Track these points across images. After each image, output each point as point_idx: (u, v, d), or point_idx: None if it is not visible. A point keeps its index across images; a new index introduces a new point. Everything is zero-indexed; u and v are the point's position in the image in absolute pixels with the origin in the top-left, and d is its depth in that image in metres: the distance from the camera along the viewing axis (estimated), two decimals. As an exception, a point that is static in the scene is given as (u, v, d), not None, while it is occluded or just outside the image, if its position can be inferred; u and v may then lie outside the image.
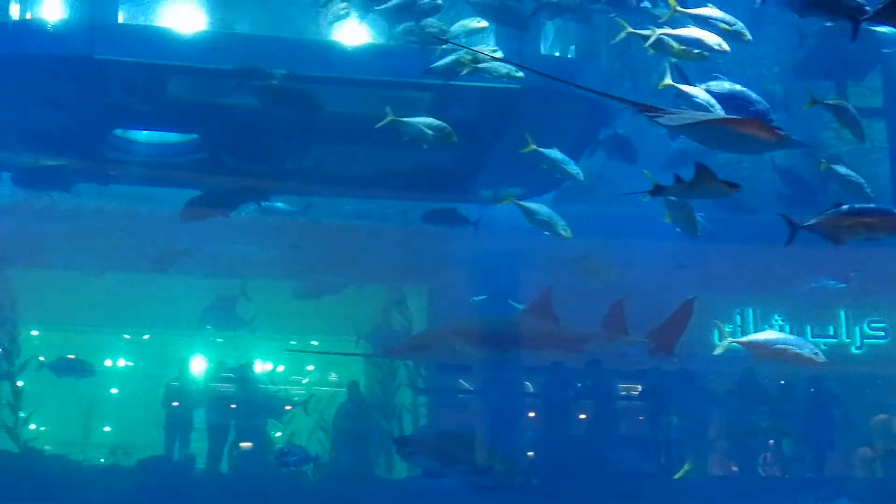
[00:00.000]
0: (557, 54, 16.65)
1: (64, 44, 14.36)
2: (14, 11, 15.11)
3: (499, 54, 13.04)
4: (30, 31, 14.81)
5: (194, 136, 16.58)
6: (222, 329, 20.05)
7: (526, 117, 15.15)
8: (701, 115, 8.10)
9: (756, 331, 20.61)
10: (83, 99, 15.11)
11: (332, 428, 19.15)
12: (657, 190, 8.35)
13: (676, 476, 16.97)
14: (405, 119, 12.76)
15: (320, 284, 19.31)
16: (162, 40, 14.91)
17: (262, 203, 16.68)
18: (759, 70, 18.09)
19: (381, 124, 12.63)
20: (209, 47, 15.03)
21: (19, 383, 18.87)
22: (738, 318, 21.45)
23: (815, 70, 17.60)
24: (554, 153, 12.90)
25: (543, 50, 16.25)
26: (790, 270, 18.84)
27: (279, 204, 17.74)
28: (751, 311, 21.55)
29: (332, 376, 21.68)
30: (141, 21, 15.46)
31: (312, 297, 19.31)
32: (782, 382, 19.10)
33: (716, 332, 18.03)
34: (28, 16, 15.26)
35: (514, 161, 13.58)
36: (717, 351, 13.06)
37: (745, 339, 13.40)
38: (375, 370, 20.12)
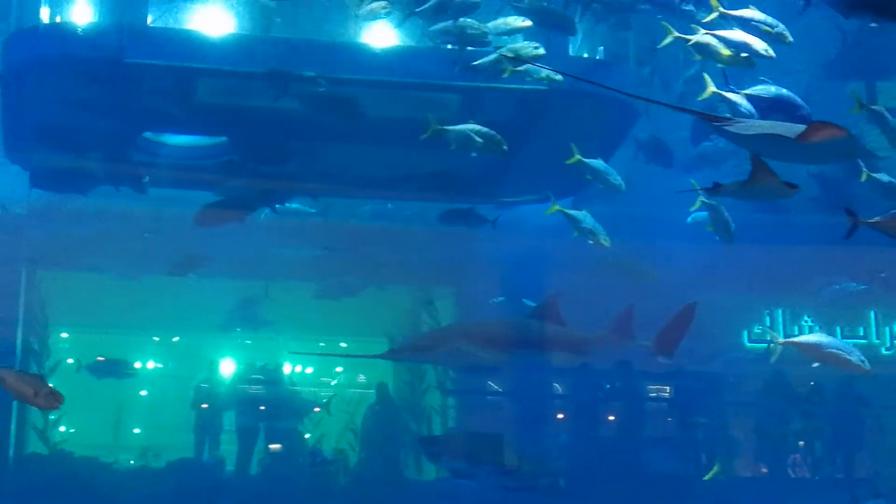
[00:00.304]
0: (586, 55, 16.58)
1: (94, 47, 14.36)
2: (44, 15, 15.22)
3: (541, 51, 12.62)
4: (60, 34, 14.85)
5: (223, 138, 16.60)
6: (246, 330, 20.14)
7: (554, 119, 15.18)
8: (769, 126, 7.88)
9: (785, 331, 20.58)
10: (113, 102, 15.15)
11: (360, 429, 19.21)
12: (715, 188, 8.20)
13: (706, 478, 16.88)
14: (452, 127, 12.60)
15: (342, 286, 19.35)
16: (191, 43, 14.94)
17: (281, 205, 16.79)
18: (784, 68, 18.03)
19: (426, 134, 12.55)
20: (238, 50, 15.03)
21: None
22: (767, 318, 21.35)
23: (846, 70, 17.46)
24: (598, 163, 12.92)
25: (571, 51, 16.19)
26: (819, 271, 18.80)
27: (297, 205, 17.78)
28: (780, 311, 21.45)
29: (361, 378, 21.70)
30: (170, 24, 15.49)
31: (333, 298, 19.36)
32: (812, 383, 18.99)
33: (756, 332, 17.97)
34: (58, 19, 15.33)
35: (542, 163, 13.56)
36: (773, 358, 12.96)
37: (796, 339, 13.36)
38: (404, 372, 20.14)
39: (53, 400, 9.25)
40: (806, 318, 21.21)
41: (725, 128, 7.28)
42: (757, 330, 20.72)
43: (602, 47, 16.59)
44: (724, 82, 10.39)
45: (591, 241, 12.90)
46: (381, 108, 15.29)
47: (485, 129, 12.57)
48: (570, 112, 15.15)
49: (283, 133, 15.96)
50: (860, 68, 17.49)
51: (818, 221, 18.08)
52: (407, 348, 13.30)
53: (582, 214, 13.12)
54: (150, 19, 15.16)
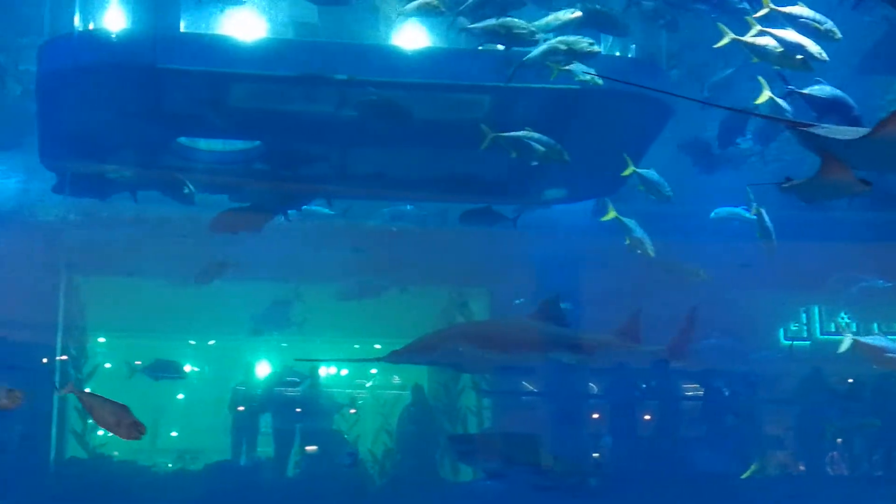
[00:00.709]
0: (618, 54, 16.50)
1: (127, 53, 14.43)
2: (78, 22, 15.28)
3: (596, 49, 12.11)
4: (94, 41, 14.90)
5: (256, 142, 16.65)
6: (280, 333, 20.21)
7: (587, 118, 15.11)
8: (854, 131, 7.56)
9: (822, 328, 20.49)
10: (146, 108, 15.22)
11: (396, 431, 19.26)
12: (786, 183, 7.91)
13: (743, 476, 16.80)
14: (509, 134, 12.51)
15: (362, 287, 19.38)
16: (223, 48, 14.98)
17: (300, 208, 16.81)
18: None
19: (484, 144, 12.46)
20: (270, 54, 15.07)
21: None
22: (803, 316, 21.24)
23: (881, 65, 17.28)
24: (650, 174, 12.88)
25: (604, 50, 16.12)
26: (852, 268, 18.69)
27: (317, 208, 17.80)
28: (816, 308, 21.33)
29: (395, 379, 21.74)
30: (202, 29, 15.53)
31: (356, 298, 19.39)
32: (850, 380, 18.88)
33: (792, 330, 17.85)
34: (91, 26, 15.39)
35: (573, 163, 13.49)
36: (843, 348, 12.83)
37: (862, 339, 13.28)
38: (439, 373, 20.15)
39: (136, 431, 9.31)
40: (843, 314, 21.07)
41: (812, 131, 7.06)
42: (793, 327, 20.61)
43: (634, 45, 16.50)
44: (784, 83, 10.19)
45: (638, 251, 12.88)
46: (412, 110, 15.31)
47: (545, 138, 12.45)
48: (603, 111, 15.08)
49: (315, 136, 16.00)
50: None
51: (852, 218, 18.05)
52: (407, 350, 13.16)
53: (632, 223, 13.14)
54: (182, 25, 15.25)
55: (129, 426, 9.24)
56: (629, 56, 16.33)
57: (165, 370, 18.57)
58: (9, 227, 19.11)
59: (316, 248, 19.13)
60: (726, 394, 18.73)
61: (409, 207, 19.87)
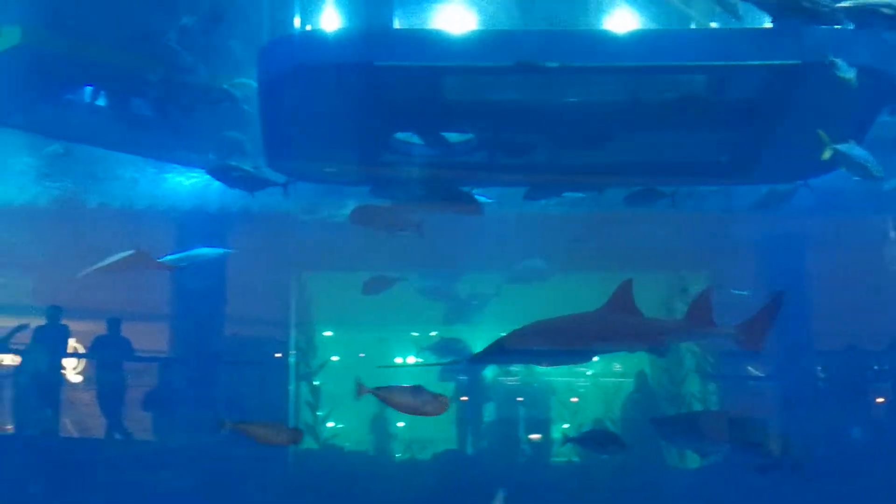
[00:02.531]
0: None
1: (345, 53, 14.74)
2: (296, 24, 15.71)
3: None
4: (313, 41, 15.29)
5: (470, 135, 16.79)
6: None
7: (807, 96, 14.63)
8: None
9: None
10: (365, 105, 15.53)
11: (620, 419, 19.15)
12: None
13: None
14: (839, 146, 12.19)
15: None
16: (436, 42, 15.14)
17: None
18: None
19: (826, 155, 12.17)
20: (482, 46, 15.15)
21: (316, 383, 19.68)
22: None
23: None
24: (855, 150, 12.32)
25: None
26: None
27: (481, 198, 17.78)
28: None
29: (616, 367, 21.60)
30: (415, 25, 15.73)
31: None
32: None
33: None
34: (308, 27, 15.81)
35: (795, 142, 13.11)
36: None
37: None
38: (660, 359, 19.91)
39: (439, 403, 9.76)
40: None
41: None
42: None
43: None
44: None
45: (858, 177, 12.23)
46: (626, 94, 15.16)
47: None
48: (825, 87, 14.57)
49: (530, 126, 16.02)
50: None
51: None
52: (487, 353, 13.05)
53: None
54: (396, 22, 15.49)
55: (430, 402, 9.61)
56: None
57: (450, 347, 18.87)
58: (243, 227, 19.89)
59: (528, 240, 19.14)
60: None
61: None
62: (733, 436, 13.59)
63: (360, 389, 10.52)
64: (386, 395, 10.27)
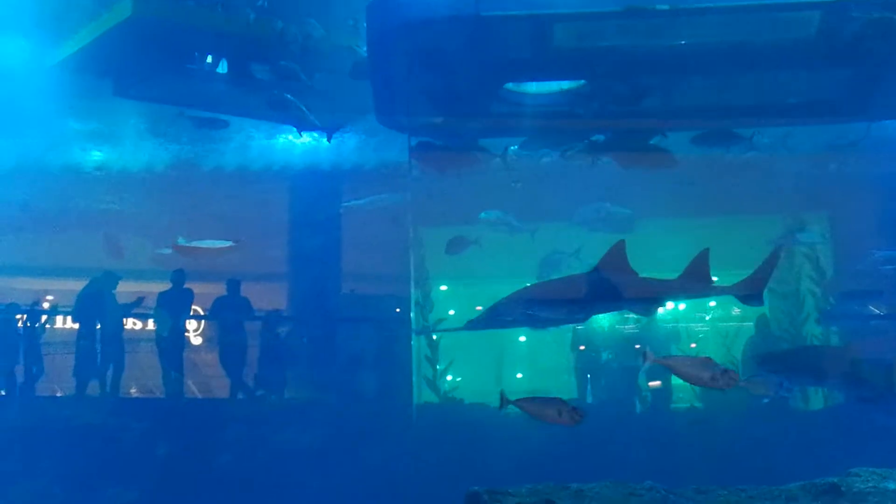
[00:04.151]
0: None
1: (452, 5, 14.70)
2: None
3: None
4: (420, -4, 15.29)
5: (581, 81, 16.64)
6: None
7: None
8: None
9: None
10: (473, 57, 15.48)
11: (741, 362, 18.93)
12: None
13: None
14: None
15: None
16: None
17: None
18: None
19: None
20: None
21: (434, 337, 19.82)
22: None
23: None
24: None
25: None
26: None
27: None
28: None
29: (735, 311, 21.34)
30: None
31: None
32: None
33: None
34: (414, -18, 15.79)
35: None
36: None
37: None
38: (781, 302, 19.69)
39: (729, 378, 9.86)
40: None
41: None
42: None
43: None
44: None
45: None
46: (738, 34, 14.89)
47: None
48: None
49: (640, 70, 15.85)
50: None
51: None
52: (481, 319, 12.95)
53: None
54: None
55: (719, 376, 9.76)
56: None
57: None
58: (364, 185, 20.08)
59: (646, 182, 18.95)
60: None
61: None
62: (831, 370, 13.43)
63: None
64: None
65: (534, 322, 13.64)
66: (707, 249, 12.12)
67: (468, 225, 19.25)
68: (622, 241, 12.23)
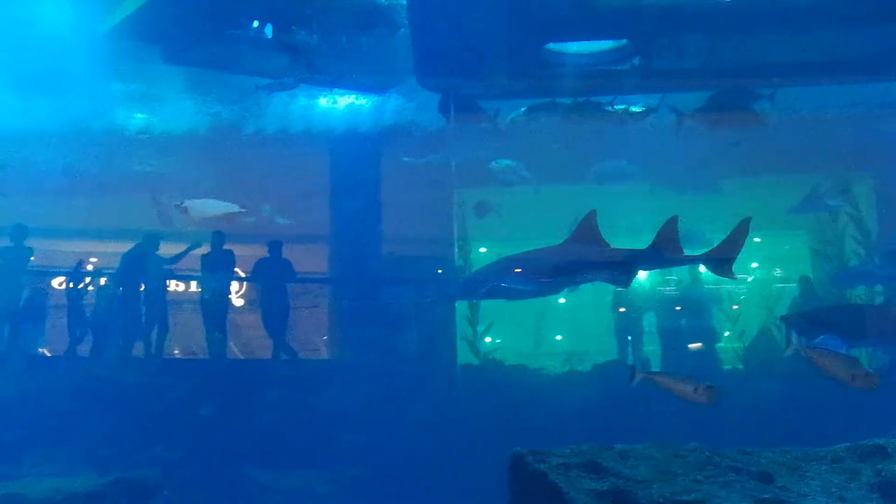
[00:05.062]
0: None
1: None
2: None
3: None
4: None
5: (623, 41, 16.52)
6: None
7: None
8: None
9: None
10: (513, 17, 15.40)
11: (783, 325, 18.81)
12: None
13: None
14: None
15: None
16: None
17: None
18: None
19: None
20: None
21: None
22: None
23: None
24: None
25: None
26: None
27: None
28: None
29: (777, 271, 21.22)
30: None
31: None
32: None
33: None
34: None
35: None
36: None
37: None
38: (823, 262, 19.56)
39: (713, 394, 9.99)
40: None
41: None
42: None
43: None
44: None
45: None
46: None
47: None
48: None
49: (683, 28, 15.73)
50: None
51: None
52: (461, 291, 12.85)
53: None
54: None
55: (706, 390, 9.88)
56: None
57: None
58: (405, 148, 20.05)
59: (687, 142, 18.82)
60: None
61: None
62: (859, 328, 13.33)
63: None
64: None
65: (509, 294, 13.62)
66: (675, 217, 11.96)
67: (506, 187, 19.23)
68: (593, 212, 12.18)
